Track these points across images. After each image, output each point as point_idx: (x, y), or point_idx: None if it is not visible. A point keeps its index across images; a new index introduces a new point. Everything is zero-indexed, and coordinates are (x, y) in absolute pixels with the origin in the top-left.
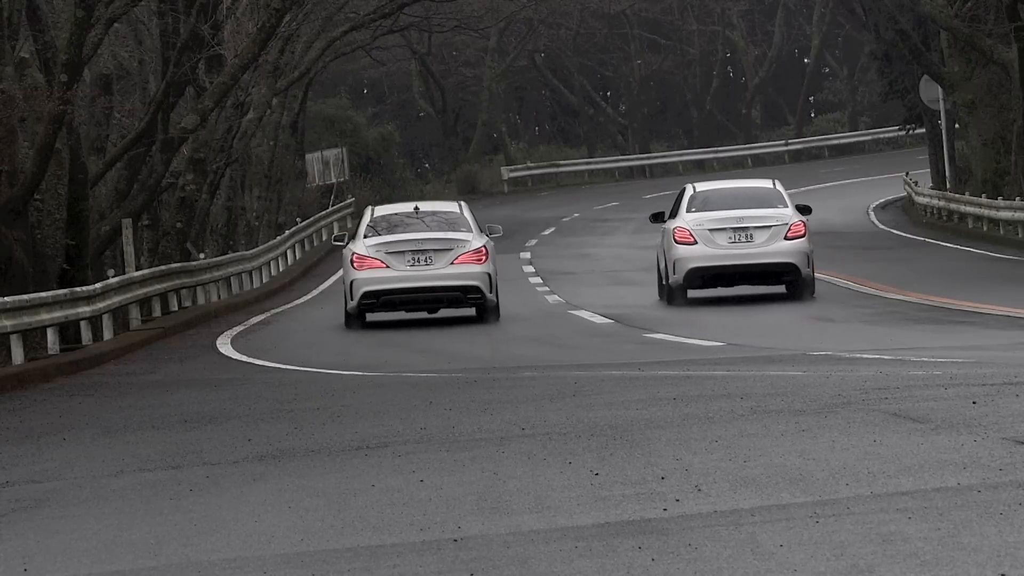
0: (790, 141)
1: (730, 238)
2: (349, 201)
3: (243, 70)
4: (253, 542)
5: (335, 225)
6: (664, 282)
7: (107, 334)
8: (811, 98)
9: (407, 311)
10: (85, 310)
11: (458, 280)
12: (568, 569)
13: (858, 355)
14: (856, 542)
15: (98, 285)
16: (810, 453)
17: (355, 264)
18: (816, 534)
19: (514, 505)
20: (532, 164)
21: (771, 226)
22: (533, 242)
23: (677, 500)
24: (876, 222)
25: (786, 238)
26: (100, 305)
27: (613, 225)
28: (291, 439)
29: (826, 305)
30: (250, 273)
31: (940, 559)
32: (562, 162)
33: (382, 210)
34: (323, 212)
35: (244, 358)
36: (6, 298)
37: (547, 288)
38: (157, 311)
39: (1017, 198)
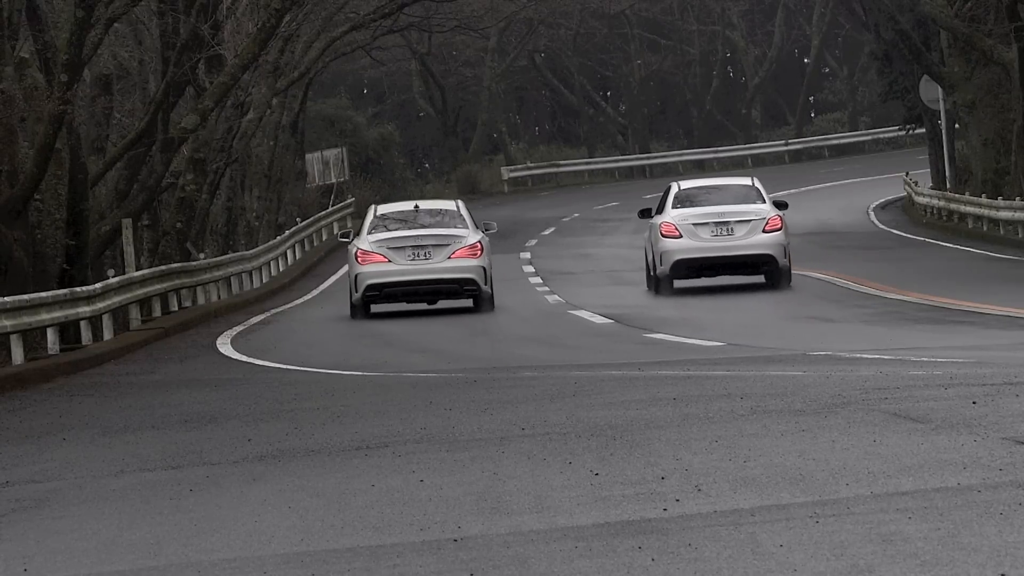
0: (790, 141)
1: (712, 232)
2: (349, 201)
3: (243, 70)
4: (253, 542)
5: (335, 225)
6: (652, 273)
7: (107, 334)
8: (811, 98)
9: (408, 302)
10: (85, 310)
11: (455, 273)
12: (568, 569)
13: (858, 355)
14: (856, 542)
15: (98, 285)
16: (810, 453)
17: (359, 259)
18: (816, 534)
19: (514, 505)
20: (532, 164)
21: (750, 220)
22: (533, 242)
23: (677, 500)
24: (876, 222)
25: (764, 231)
26: (100, 305)
27: (613, 225)
28: (291, 439)
29: (826, 305)
30: (250, 273)
31: (940, 559)
32: (562, 162)
33: (384, 208)
34: (323, 212)
35: (244, 358)
36: (6, 298)
37: (547, 288)
38: (157, 311)
39: (1017, 198)
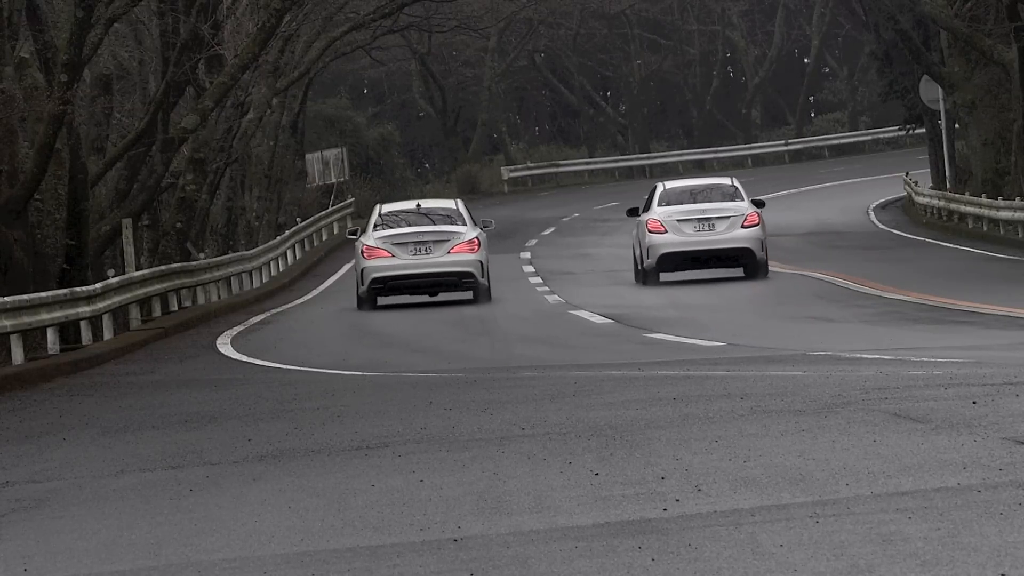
0: (790, 141)
1: (695, 227)
2: (349, 201)
3: (243, 70)
4: (253, 542)
5: (335, 225)
6: (639, 267)
7: (107, 334)
8: (811, 98)
9: (410, 294)
10: (85, 310)
11: (454, 267)
12: (568, 569)
13: (858, 355)
14: (856, 542)
15: (98, 285)
16: (810, 453)
17: (365, 254)
18: (816, 534)
19: (514, 505)
20: (532, 164)
21: (730, 217)
22: (533, 242)
23: (677, 500)
24: (876, 222)
25: (743, 227)
26: (100, 305)
27: (613, 225)
28: (291, 439)
29: (826, 305)
30: (250, 273)
31: (940, 559)
32: (562, 162)
33: (388, 207)
34: (323, 212)
35: (244, 358)
36: (6, 298)
37: (547, 288)
38: (157, 311)
39: (1017, 198)
